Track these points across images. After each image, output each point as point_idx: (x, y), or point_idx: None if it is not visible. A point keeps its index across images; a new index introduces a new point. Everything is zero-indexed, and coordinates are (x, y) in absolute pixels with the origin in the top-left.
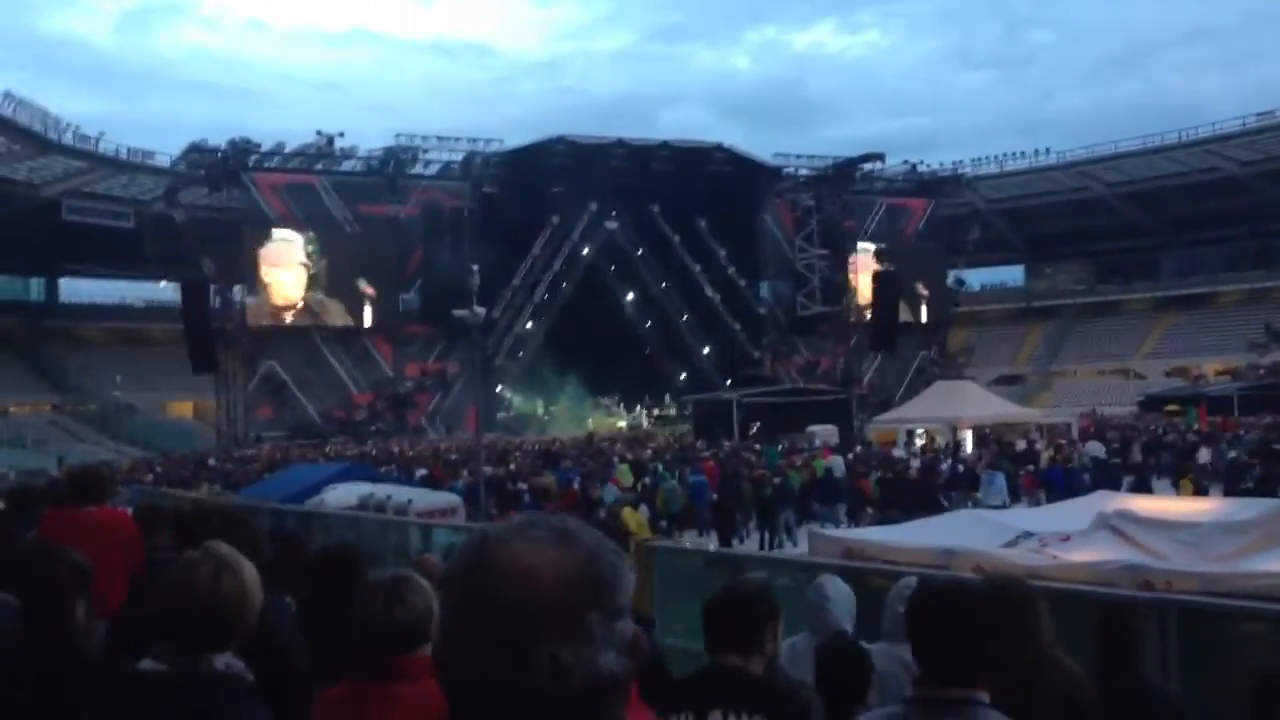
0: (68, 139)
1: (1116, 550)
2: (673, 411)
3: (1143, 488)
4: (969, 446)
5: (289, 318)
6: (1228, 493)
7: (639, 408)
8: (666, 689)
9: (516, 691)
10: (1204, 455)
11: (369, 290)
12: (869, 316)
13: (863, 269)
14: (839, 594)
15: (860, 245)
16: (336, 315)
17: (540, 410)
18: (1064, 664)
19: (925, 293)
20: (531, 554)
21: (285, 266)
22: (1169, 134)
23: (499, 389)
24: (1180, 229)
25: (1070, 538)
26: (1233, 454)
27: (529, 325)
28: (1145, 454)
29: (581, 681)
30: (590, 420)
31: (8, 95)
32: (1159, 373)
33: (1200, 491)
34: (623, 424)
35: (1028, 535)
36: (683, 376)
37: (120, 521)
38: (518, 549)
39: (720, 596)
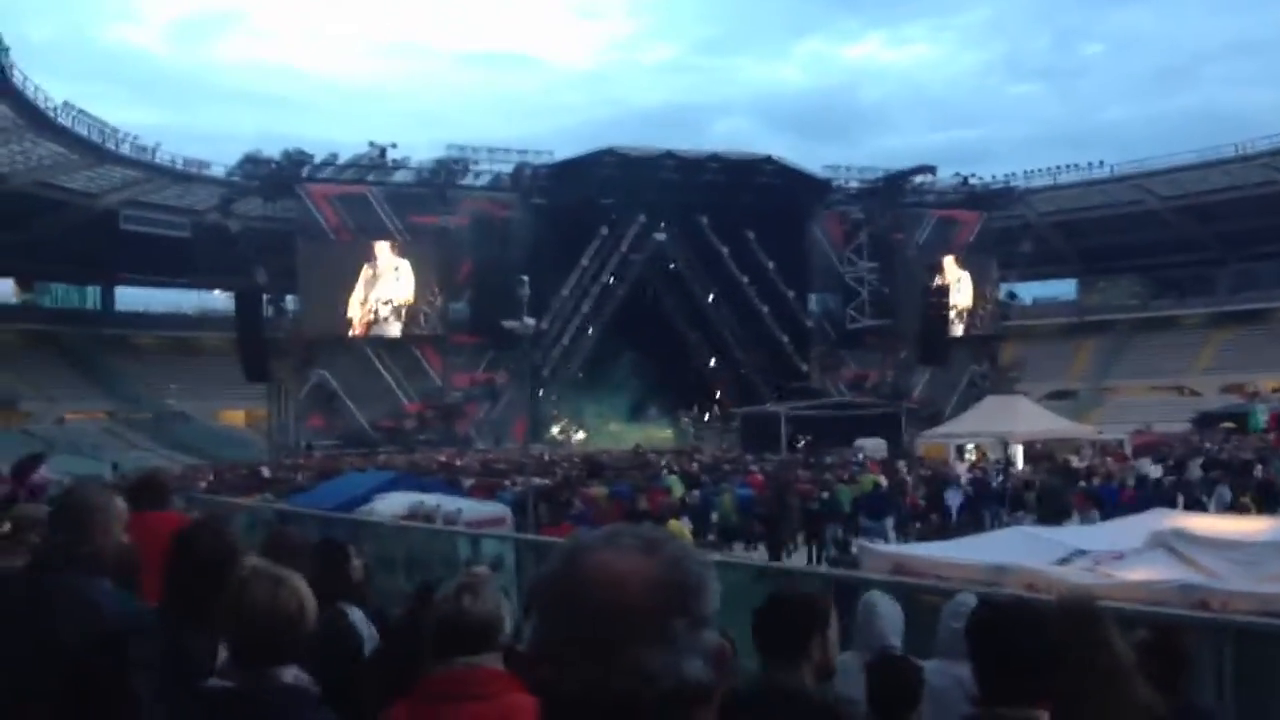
0: (125, 149)
1: (1171, 569)
2: (719, 424)
3: (1198, 506)
4: (1020, 462)
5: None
6: None
7: (685, 419)
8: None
9: (602, 694)
10: (1259, 472)
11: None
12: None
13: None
14: (888, 610)
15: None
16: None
17: (587, 421)
18: (1140, 682)
19: (977, 306)
20: (619, 561)
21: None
22: (1225, 147)
23: (546, 399)
24: (1236, 244)
25: (1124, 556)
26: None
27: (576, 337)
28: (1205, 471)
29: (666, 686)
30: (640, 431)
31: (66, 105)
32: (1214, 389)
33: (1261, 509)
34: (668, 435)
35: (1081, 553)
36: (730, 389)
37: (182, 526)
38: (606, 556)
39: (766, 605)
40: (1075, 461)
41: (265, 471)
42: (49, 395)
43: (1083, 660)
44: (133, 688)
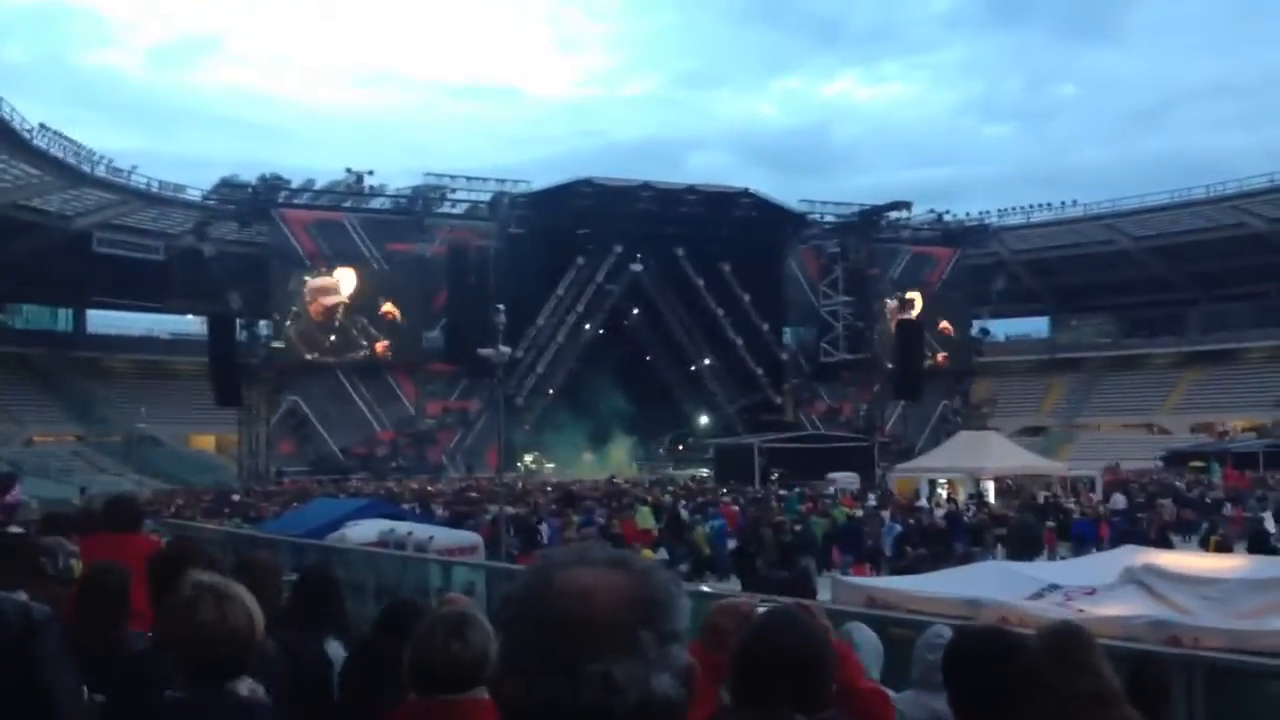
0: (100, 172)
1: (1143, 605)
2: (693, 455)
3: (1167, 543)
4: (991, 498)
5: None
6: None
7: (659, 451)
8: None
9: (569, 708)
10: (1229, 511)
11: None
12: (892, 364)
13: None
14: (867, 641)
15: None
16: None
17: (560, 450)
18: (1125, 708)
19: (949, 342)
20: (587, 576)
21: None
22: (1196, 189)
23: (519, 427)
24: (1207, 284)
25: (1096, 591)
26: None
27: (551, 366)
28: (1178, 508)
29: (633, 699)
30: (612, 461)
31: (42, 128)
32: (1184, 428)
33: (1227, 548)
34: (642, 465)
35: (1053, 588)
36: (704, 420)
37: (155, 549)
38: (575, 572)
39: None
40: (1046, 497)
41: (235, 497)
42: (17, 417)
43: (1066, 685)
44: (43, 685)
